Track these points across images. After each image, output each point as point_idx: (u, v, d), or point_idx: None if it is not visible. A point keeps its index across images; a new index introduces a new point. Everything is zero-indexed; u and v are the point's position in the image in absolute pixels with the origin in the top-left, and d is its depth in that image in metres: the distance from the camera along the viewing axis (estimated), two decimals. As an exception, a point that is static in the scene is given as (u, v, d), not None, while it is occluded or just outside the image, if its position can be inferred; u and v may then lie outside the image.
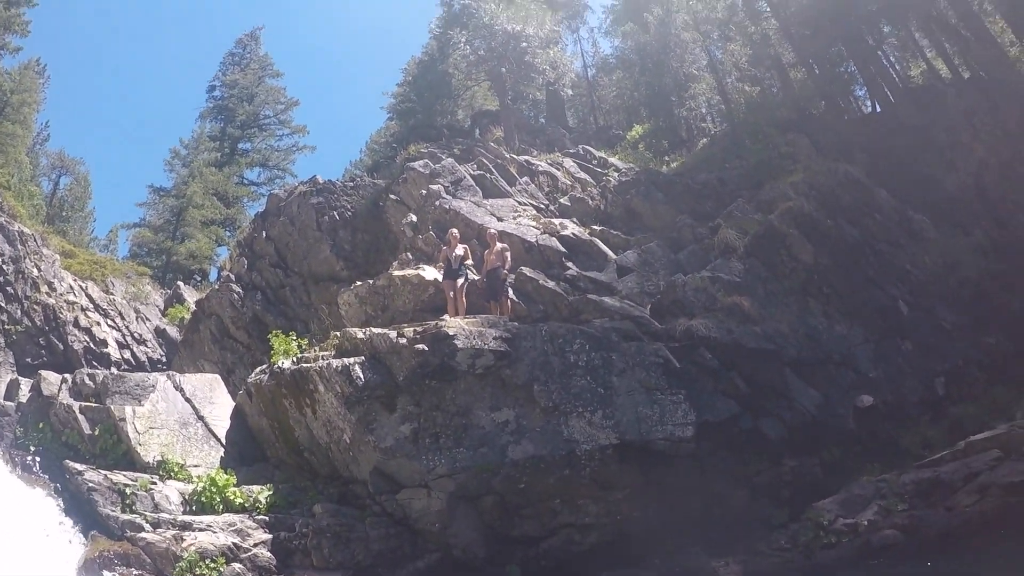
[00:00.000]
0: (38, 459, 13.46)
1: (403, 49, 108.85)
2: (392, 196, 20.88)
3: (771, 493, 12.66)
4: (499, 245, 15.44)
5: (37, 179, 44.89)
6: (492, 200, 19.66)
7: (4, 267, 25.02)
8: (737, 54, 29.52)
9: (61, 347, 25.51)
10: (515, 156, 22.93)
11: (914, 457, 13.34)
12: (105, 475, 12.48)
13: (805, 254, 16.34)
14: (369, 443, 11.89)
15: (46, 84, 47.91)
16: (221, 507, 12.12)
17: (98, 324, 27.44)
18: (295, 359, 13.96)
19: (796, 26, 26.51)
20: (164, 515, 11.67)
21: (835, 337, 15.46)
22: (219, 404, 15.21)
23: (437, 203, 18.82)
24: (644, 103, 33.19)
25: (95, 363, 25.15)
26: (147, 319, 31.02)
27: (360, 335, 13.32)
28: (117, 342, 27.80)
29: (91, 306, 28.09)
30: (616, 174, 22.42)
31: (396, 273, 16.45)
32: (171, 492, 12.41)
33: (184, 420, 14.33)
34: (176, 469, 13.10)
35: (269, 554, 11.12)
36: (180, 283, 37.09)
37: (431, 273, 16.09)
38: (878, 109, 26.43)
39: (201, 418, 14.58)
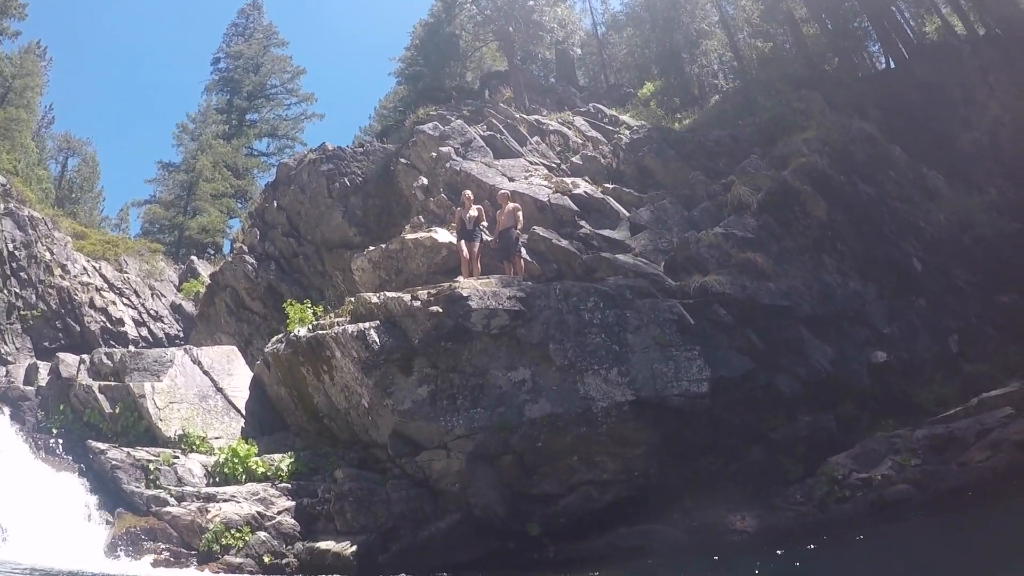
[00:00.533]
0: (61, 441, 13.67)
1: (410, 12, 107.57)
2: (402, 160, 20.81)
3: (786, 448, 12.68)
4: (511, 205, 15.40)
5: (44, 163, 45.00)
6: (503, 160, 19.55)
7: (16, 253, 25.15)
8: (749, 9, 29.17)
9: (78, 329, 25.67)
10: (525, 116, 22.80)
11: (927, 413, 13.37)
12: (128, 452, 12.69)
13: (819, 211, 16.22)
14: (387, 407, 12.00)
15: (48, 66, 47.86)
16: (244, 477, 12.31)
17: (113, 303, 27.59)
18: (311, 327, 14.07)
19: (808, -20, 26.13)
20: (188, 488, 11.89)
21: (849, 294, 15.39)
22: (237, 375, 15.37)
23: (448, 165, 18.76)
24: (655, 60, 32.93)
25: (112, 342, 25.34)
26: (162, 295, 31.24)
27: (374, 300, 13.37)
28: (133, 320, 28.00)
29: (105, 286, 28.24)
30: (628, 132, 22.28)
31: (408, 237, 16.46)
32: (194, 465, 12.60)
33: (203, 393, 14.49)
34: (198, 442, 13.26)
35: (293, 521, 11.34)
36: (194, 257, 37.29)
37: (444, 235, 16.09)
38: (892, 65, 26.05)
39: (220, 390, 14.76)
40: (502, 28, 29.64)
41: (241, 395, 14.89)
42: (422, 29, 37.33)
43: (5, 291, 24.38)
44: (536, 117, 22.94)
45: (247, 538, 10.84)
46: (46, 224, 27.32)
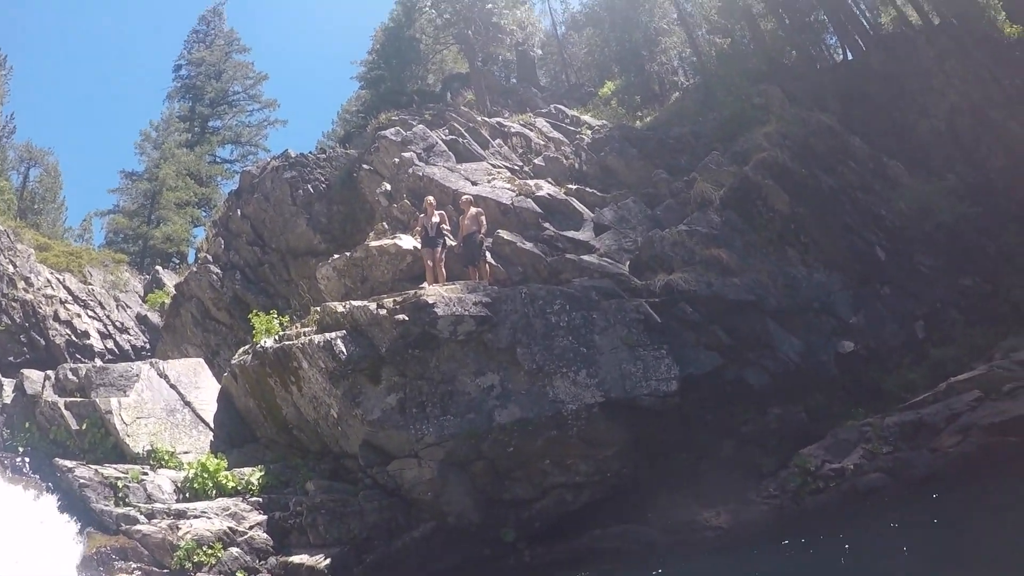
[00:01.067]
0: (27, 459, 13.32)
1: (371, 16, 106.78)
2: (365, 166, 20.69)
3: (758, 442, 12.80)
4: (473, 210, 15.34)
5: (6, 173, 44.12)
6: (466, 164, 19.51)
7: (-22, 268, 24.68)
8: (707, 6, 29.40)
9: (43, 343, 25.19)
10: (487, 119, 22.77)
11: (897, 400, 13.55)
12: (96, 470, 12.37)
13: (781, 204, 16.37)
14: (356, 416, 11.89)
15: (8, 75, 46.89)
16: (214, 492, 12.09)
17: (78, 316, 27.13)
18: (277, 337, 13.89)
19: (765, -26, 26.35)
20: (158, 505, 11.63)
21: (814, 285, 15.56)
22: (205, 388, 15.11)
23: (410, 170, 18.68)
24: (615, 59, 33.11)
25: (78, 356, 24.94)
26: (127, 307, 30.76)
27: (340, 309, 13.26)
28: (99, 332, 27.55)
29: (70, 298, 27.73)
30: (589, 132, 22.37)
31: (373, 244, 16.37)
32: (163, 481, 12.34)
33: (171, 407, 14.23)
34: (166, 457, 13.02)
35: (265, 535, 11.17)
36: (159, 268, 36.78)
37: (408, 242, 16.01)
38: (850, 57, 26.35)
39: (188, 404, 14.49)
40: (462, 32, 29.68)
41: (209, 408, 14.64)
42: (383, 33, 37.21)
43: (-32, 306, 23.89)
44: (498, 120, 22.92)
45: (219, 554, 10.65)
46: (8, 236, 26.82)
